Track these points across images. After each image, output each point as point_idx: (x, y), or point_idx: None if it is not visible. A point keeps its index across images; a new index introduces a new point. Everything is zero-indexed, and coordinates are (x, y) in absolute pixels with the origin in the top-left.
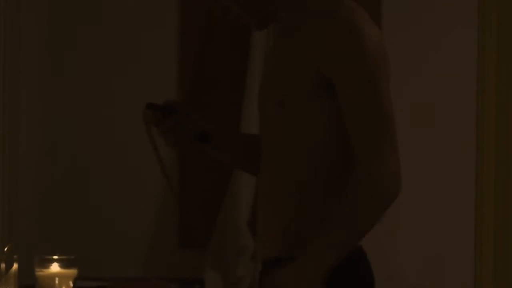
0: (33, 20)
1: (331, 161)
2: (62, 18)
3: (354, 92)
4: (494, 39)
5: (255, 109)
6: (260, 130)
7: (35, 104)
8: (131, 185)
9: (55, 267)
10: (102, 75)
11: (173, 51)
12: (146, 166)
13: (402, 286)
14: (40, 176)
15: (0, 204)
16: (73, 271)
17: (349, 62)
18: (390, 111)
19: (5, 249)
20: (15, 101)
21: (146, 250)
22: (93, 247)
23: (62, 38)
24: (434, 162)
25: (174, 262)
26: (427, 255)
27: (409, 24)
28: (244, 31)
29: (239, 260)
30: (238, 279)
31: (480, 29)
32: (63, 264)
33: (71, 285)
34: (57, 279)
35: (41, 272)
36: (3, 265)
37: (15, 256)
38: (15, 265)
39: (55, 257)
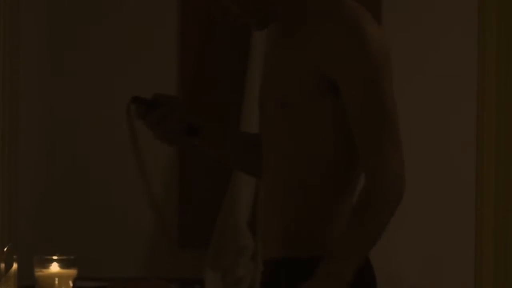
0: (33, 20)
1: (334, 161)
2: (62, 18)
3: (358, 92)
4: (494, 39)
5: (255, 109)
6: (261, 130)
7: (35, 104)
8: (131, 185)
9: (54, 267)
10: (102, 75)
11: (173, 51)
12: (146, 166)
13: (402, 286)
14: (40, 176)
15: (0, 204)
16: (72, 271)
17: (353, 62)
18: (393, 111)
19: (5, 249)
20: (15, 101)
21: (146, 250)
22: (93, 247)
23: (62, 38)
24: (434, 162)
25: (174, 262)
26: (427, 255)
27: (409, 24)
28: (244, 31)
29: (239, 260)
30: (238, 279)
31: (480, 29)
32: (63, 264)
33: (71, 285)
34: (56, 279)
35: (40, 272)
36: (2, 265)
37: (14, 256)
38: (15, 265)
39: (55, 257)
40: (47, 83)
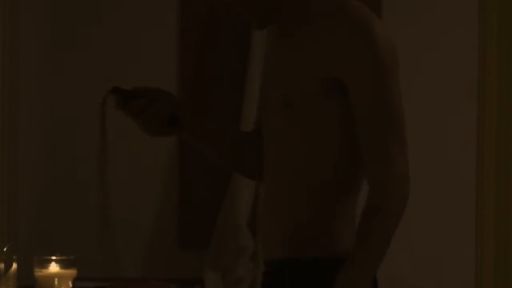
0: (33, 20)
1: (339, 161)
2: (62, 18)
3: (366, 92)
4: (495, 39)
5: (255, 109)
6: (263, 130)
7: (35, 104)
8: (131, 185)
9: (54, 268)
10: (102, 75)
11: (173, 51)
12: (146, 166)
13: (402, 286)
14: (40, 176)
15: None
16: (72, 272)
17: (361, 62)
18: (400, 111)
19: (4, 249)
20: (15, 101)
21: (145, 250)
22: (93, 248)
23: (62, 38)
24: (435, 163)
25: (174, 263)
26: (427, 255)
27: (409, 24)
28: (244, 31)
29: (239, 260)
30: (238, 279)
31: (481, 29)
32: (63, 264)
33: (70, 285)
34: (56, 279)
35: (40, 273)
36: (2, 265)
37: (14, 257)
38: (14, 265)
39: (54, 257)
40: (47, 83)
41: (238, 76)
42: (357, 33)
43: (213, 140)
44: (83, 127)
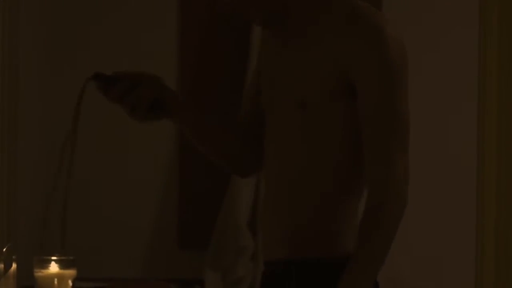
0: (32, 20)
1: (343, 162)
2: (62, 18)
3: (373, 93)
4: (495, 38)
5: None
6: (268, 132)
7: (35, 104)
8: (131, 185)
9: (54, 268)
10: None
11: (173, 51)
12: (146, 166)
13: (402, 287)
14: (40, 176)
15: None
16: (72, 272)
17: (371, 64)
18: (406, 116)
19: (4, 249)
20: (14, 101)
21: (145, 250)
22: (93, 248)
23: (62, 38)
24: (435, 163)
25: (173, 263)
26: (427, 255)
27: (409, 24)
28: (244, 31)
29: (239, 260)
30: (238, 279)
31: (481, 29)
32: (62, 264)
33: (70, 285)
34: (56, 279)
35: (40, 273)
36: (1, 266)
37: (14, 257)
38: (14, 266)
39: (54, 257)
40: (47, 83)
41: (238, 76)
42: (368, 34)
43: (201, 127)
44: (82, 127)
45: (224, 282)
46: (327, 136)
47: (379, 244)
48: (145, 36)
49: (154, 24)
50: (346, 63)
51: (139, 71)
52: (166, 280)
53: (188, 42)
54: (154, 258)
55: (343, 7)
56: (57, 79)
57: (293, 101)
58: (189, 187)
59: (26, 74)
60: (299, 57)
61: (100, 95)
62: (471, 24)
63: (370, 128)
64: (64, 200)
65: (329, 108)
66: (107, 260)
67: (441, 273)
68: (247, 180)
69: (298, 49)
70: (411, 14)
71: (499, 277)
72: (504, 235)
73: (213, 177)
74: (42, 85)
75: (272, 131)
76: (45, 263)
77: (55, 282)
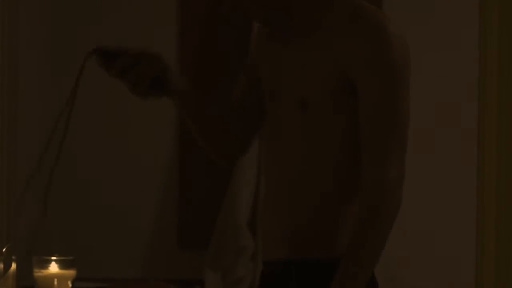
0: (32, 20)
1: (343, 162)
2: (62, 18)
3: (374, 93)
4: (495, 38)
5: None
6: (268, 130)
7: (35, 104)
8: (130, 185)
9: (53, 268)
10: (102, 75)
11: (173, 51)
12: (146, 166)
13: (402, 286)
14: (39, 176)
15: None
16: (71, 272)
17: (373, 63)
18: (405, 118)
19: (4, 249)
20: (14, 101)
21: (145, 250)
22: (92, 248)
23: (62, 38)
24: (435, 163)
25: (173, 263)
26: (427, 255)
27: (409, 24)
28: (244, 31)
29: (239, 260)
30: (238, 279)
31: (481, 29)
32: (62, 265)
33: (70, 286)
34: (55, 280)
35: (39, 273)
36: (1, 266)
37: (13, 257)
38: (14, 266)
39: (54, 258)
40: (47, 83)
41: (238, 76)
42: (370, 33)
43: (199, 109)
44: (82, 127)
45: (224, 282)
46: (327, 136)
47: (373, 245)
48: (145, 36)
49: (154, 24)
50: (347, 63)
51: (140, 48)
52: (166, 280)
53: (188, 42)
54: (154, 258)
55: (345, 7)
56: (57, 79)
57: (293, 101)
58: (189, 187)
59: (26, 74)
60: (300, 57)
61: (99, 95)
62: (472, 24)
63: (368, 127)
64: (55, 160)
65: (330, 108)
66: (107, 260)
67: (441, 273)
68: (247, 180)
69: (299, 48)
70: (411, 14)
71: (499, 277)
72: (504, 235)
73: (213, 177)
74: (42, 85)
75: (272, 131)
76: (45, 263)
77: (55, 282)
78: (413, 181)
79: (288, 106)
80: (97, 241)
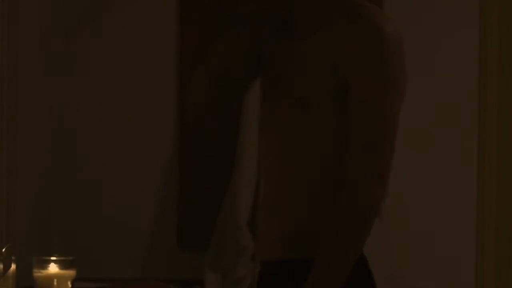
0: (32, 20)
1: (342, 162)
2: (61, 18)
3: (363, 93)
4: (496, 38)
5: (255, 108)
6: (266, 129)
7: (34, 104)
8: (130, 185)
9: (53, 268)
10: (102, 75)
11: (173, 51)
12: (146, 166)
13: (402, 286)
14: (39, 176)
15: None
16: (71, 272)
17: (365, 64)
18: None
19: (3, 249)
20: (14, 101)
21: (145, 251)
22: (92, 248)
23: (61, 38)
24: (436, 162)
25: (173, 263)
26: (427, 255)
27: (410, 24)
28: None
29: (239, 260)
30: (238, 279)
31: (482, 29)
32: (62, 265)
33: (70, 286)
34: (55, 280)
35: (39, 273)
36: (1, 266)
37: (13, 257)
38: (13, 266)
39: (54, 258)
40: (46, 83)
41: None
42: (366, 34)
43: None
44: (82, 127)
45: (224, 282)
46: (327, 135)
47: (348, 245)
48: (145, 36)
49: (154, 24)
50: (344, 63)
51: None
52: (166, 280)
53: (188, 42)
54: (154, 258)
55: (345, 7)
56: (57, 79)
57: (293, 100)
58: (189, 187)
59: (25, 74)
60: (300, 56)
61: (99, 95)
62: (472, 24)
63: (354, 126)
64: None
65: (330, 108)
66: (107, 260)
67: (441, 273)
68: (247, 180)
69: (300, 48)
70: (411, 14)
71: (499, 277)
72: (504, 235)
73: (213, 177)
74: (42, 85)
75: (272, 130)
76: (45, 264)
77: (55, 282)
78: (413, 181)
79: (287, 105)
80: (97, 241)
